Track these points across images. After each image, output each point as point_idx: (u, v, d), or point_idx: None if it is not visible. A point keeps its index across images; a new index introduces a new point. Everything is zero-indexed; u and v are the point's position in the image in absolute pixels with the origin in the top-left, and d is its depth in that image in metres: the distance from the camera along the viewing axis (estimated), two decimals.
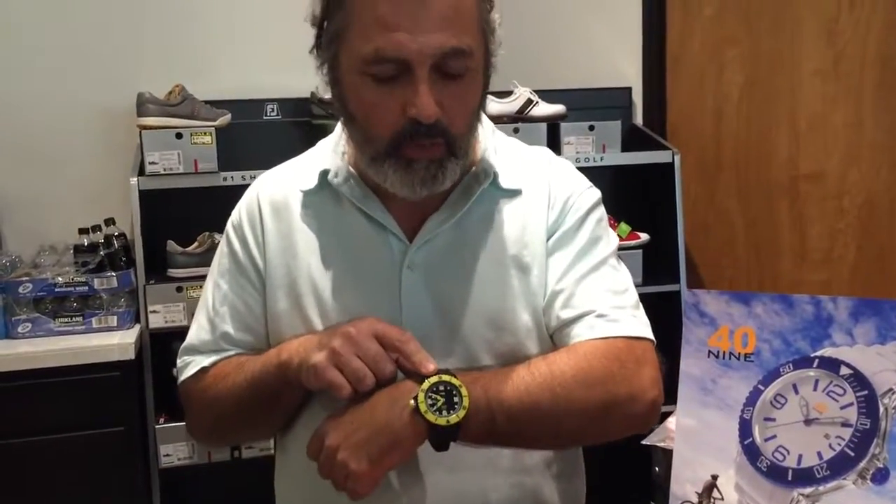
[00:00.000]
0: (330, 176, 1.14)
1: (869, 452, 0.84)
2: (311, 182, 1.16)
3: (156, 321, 2.38)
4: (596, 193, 1.19)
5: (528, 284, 1.12)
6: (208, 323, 1.19)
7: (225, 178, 2.44)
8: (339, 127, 1.16)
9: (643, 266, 2.63)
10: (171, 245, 2.48)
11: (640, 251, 2.64)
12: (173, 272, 2.46)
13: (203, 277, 2.38)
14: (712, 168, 2.95)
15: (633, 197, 2.86)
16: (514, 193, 1.15)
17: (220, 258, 1.22)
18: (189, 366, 1.20)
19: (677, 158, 2.70)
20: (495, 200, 1.14)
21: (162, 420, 2.40)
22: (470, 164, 1.13)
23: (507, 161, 1.16)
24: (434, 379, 1.00)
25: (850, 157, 2.79)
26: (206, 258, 2.45)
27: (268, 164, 2.42)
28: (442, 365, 1.04)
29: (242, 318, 1.18)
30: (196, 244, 2.50)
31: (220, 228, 2.45)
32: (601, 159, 2.65)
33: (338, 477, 0.99)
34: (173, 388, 2.23)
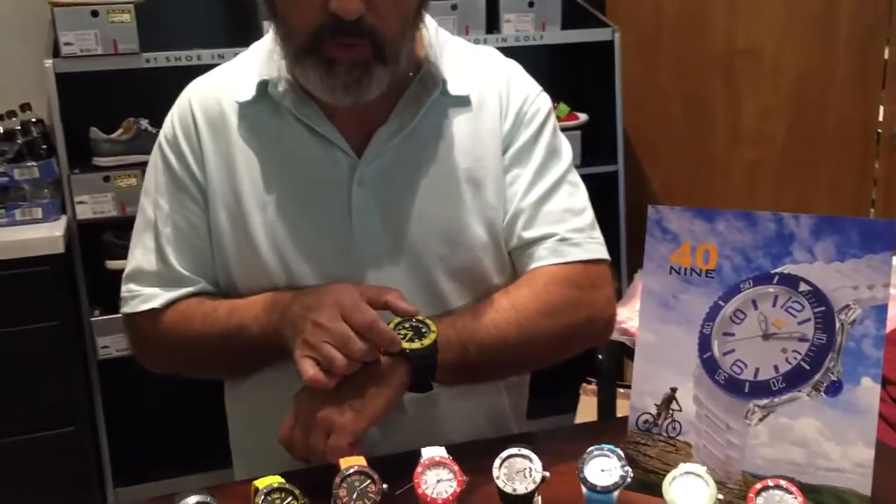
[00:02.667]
0: (270, 87, 1.06)
1: (824, 366, 0.87)
2: (248, 93, 1.08)
3: (83, 212, 2.29)
4: (547, 100, 1.16)
5: (483, 199, 1.09)
6: (154, 244, 1.12)
7: (148, 60, 2.29)
8: (272, 31, 1.06)
9: (581, 146, 2.62)
10: (95, 132, 2.35)
11: (579, 132, 2.63)
12: (98, 161, 2.35)
13: (131, 166, 2.35)
14: (651, 45, 2.91)
15: (571, 76, 2.81)
16: (464, 101, 1.10)
17: (155, 175, 1.13)
18: (136, 299, 1.12)
19: (617, 36, 2.65)
20: (445, 110, 1.09)
21: (97, 313, 2.35)
22: (415, 67, 1.08)
23: (454, 64, 1.11)
24: (398, 320, 1.00)
25: (787, 34, 2.78)
26: (132, 145, 2.36)
27: (194, 43, 2.34)
28: (395, 284, 1.03)
29: (186, 239, 1.11)
30: (121, 131, 2.38)
31: (146, 113, 2.38)
32: (541, 38, 2.59)
33: (318, 438, 0.95)
34: (107, 280, 2.18)
